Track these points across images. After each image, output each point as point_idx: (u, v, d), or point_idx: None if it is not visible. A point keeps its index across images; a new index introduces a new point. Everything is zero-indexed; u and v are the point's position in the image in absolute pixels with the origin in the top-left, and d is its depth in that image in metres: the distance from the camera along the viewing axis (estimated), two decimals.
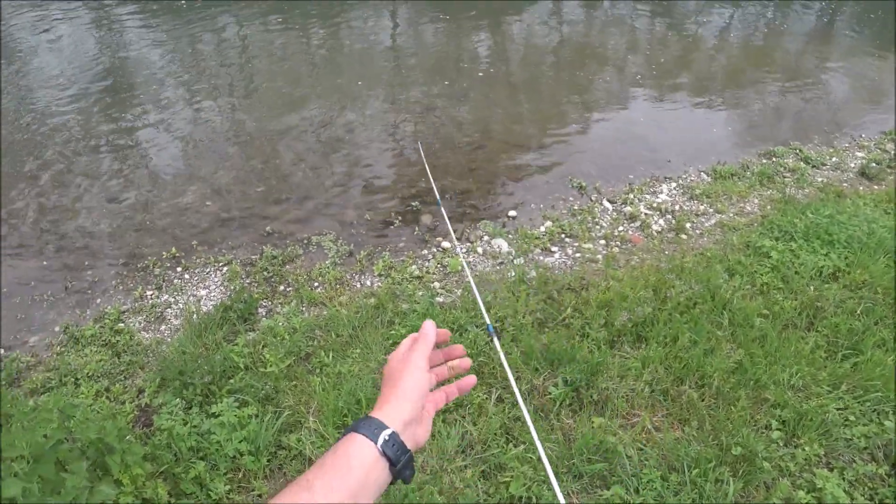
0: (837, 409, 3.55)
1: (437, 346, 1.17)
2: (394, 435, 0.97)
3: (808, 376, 3.75)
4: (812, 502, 3.02)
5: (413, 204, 5.77)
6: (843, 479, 3.20)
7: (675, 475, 3.11)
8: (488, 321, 1.33)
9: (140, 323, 4.55)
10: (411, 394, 1.05)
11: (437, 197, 1.97)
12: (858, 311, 4.26)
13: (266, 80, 8.46)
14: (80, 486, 2.36)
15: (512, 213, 5.70)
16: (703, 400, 3.58)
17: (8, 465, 2.58)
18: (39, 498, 2.30)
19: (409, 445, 1.01)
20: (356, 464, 0.93)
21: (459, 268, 4.88)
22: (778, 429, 3.44)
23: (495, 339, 1.23)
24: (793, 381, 3.71)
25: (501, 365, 3.69)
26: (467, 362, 1.19)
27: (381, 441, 0.96)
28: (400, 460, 0.97)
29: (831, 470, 3.24)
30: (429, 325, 1.15)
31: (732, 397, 3.57)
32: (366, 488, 0.93)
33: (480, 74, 8.68)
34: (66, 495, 2.29)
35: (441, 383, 1.19)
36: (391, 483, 0.98)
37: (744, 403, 3.51)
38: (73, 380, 3.99)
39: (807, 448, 3.31)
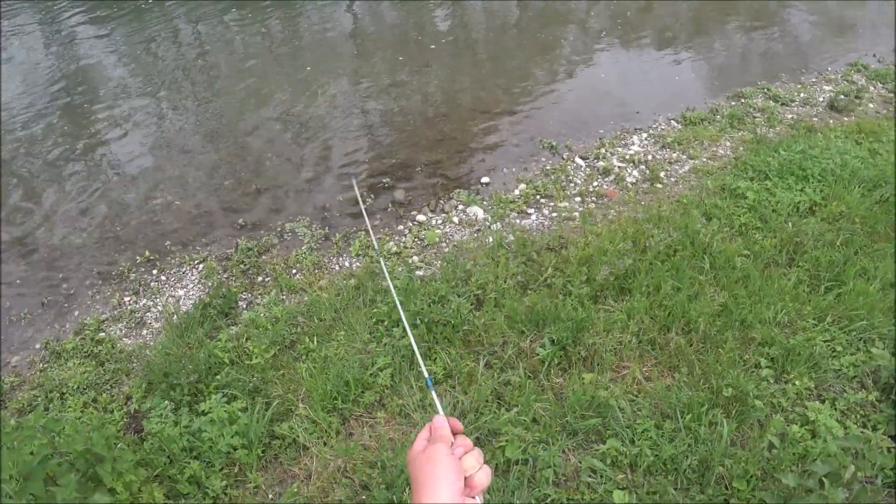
0: (824, 342, 3.55)
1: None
2: None
3: (792, 312, 3.75)
4: (806, 435, 3.03)
5: (384, 181, 5.69)
6: (835, 409, 3.22)
7: (669, 422, 3.11)
8: (426, 374, 1.30)
9: (121, 330, 4.46)
10: (445, 482, 1.04)
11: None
12: (838, 243, 4.27)
13: (227, 76, 8.27)
14: (71, 499, 2.30)
15: (485, 179, 5.64)
16: (690, 345, 3.58)
17: None
18: None
19: None
20: None
21: (437, 240, 4.83)
22: (767, 366, 3.44)
23: (433, 393, 1.22)
24: (778, 318, 3.71)
25: (487, 331, 3.67)
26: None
27: None
28: None
29: (823, 402, 3.25)
30: (441, 419, 1.16)
31: (719, 340, 3.57)
32: None
33: (433, 47, 8.55)
34: None
35: None
36: None
37: (731, 345, 3.51)
38: (58, 394, 3.91)
39: (797, 382, 3.32)
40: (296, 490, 3.02)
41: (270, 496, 3.07)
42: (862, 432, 3.07)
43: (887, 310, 3.71)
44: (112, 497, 2.80)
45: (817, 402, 3.24)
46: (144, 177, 6.21)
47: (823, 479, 2.76)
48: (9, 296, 4.92)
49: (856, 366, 3.42)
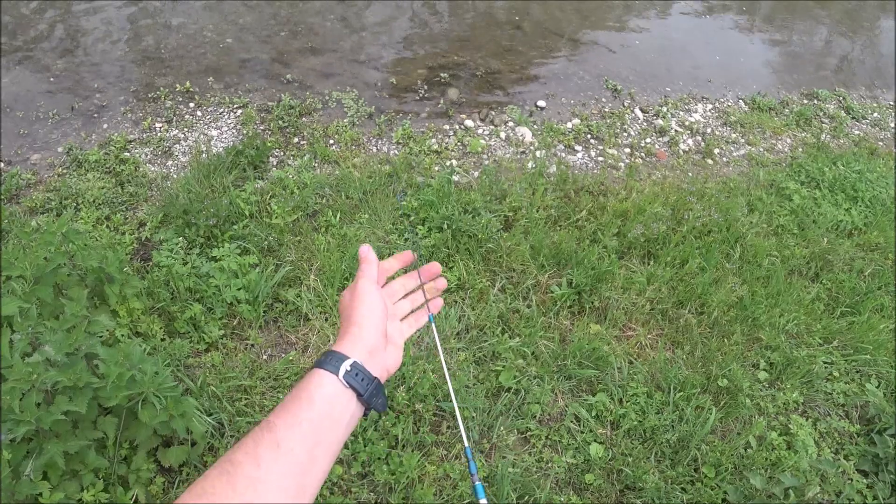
0: (824, 363, 3.58)
1: (407, 269, 1.15)
2: (356, 364, 0.95)
3: (803, 325, 3.76)
4: (783, 444, 3.10)
5: (442, 75, 5.51)
6: (816, 429, 3.28)
7: (660, 395, 3.16)
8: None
9: (146, 155, 4.39)
10: (368, 321, 1.01)
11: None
12: (866, 273, 4.23)
13: None
14: (78, 313, 2.31)
15: (541, 103, 5.47)
16: (699, 327, 3.60)
17: (7, 283, 2.52)
18: (37, 321, 2.25)
19: (378, 373, 0.99)
20: (318, 397, 0.90)
21: (479, 150, 4.73)
22: (765, 370, 3.48)
23: (433, 327, 1.19)
24: (788, 327, 3.72)
25: (509, 255, 3.66)
26: (442, 283, 1.18)
27: (342, 372, 0.93)
28: (366, 390, 0.94)
29: (807, 419, 3.31)
30: (365, 249, 1.12)
31: (728, 330, 3.59)
32: (331, 420, 0.90)
33: None
34: (64, 322, 2.24)
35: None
36: (365, 414, 0.97)
37: (738, 339, 3.53)
38: (73, 204, 3.88)
39: (788, 393, 3.36)
40: (291, 359, 3.06)
41: (265, 357, 3.12)
42: (834, 458, 3.16)
43: (892, 352, 3.74)
44: (114, 320, 2.84)
45: (802, 417, 3.30)
46: (201, 5, 5.94)
47: (789, 490, 2.86)
48: (39, 91, 4.81)
49: (847, 395, 3.47)
